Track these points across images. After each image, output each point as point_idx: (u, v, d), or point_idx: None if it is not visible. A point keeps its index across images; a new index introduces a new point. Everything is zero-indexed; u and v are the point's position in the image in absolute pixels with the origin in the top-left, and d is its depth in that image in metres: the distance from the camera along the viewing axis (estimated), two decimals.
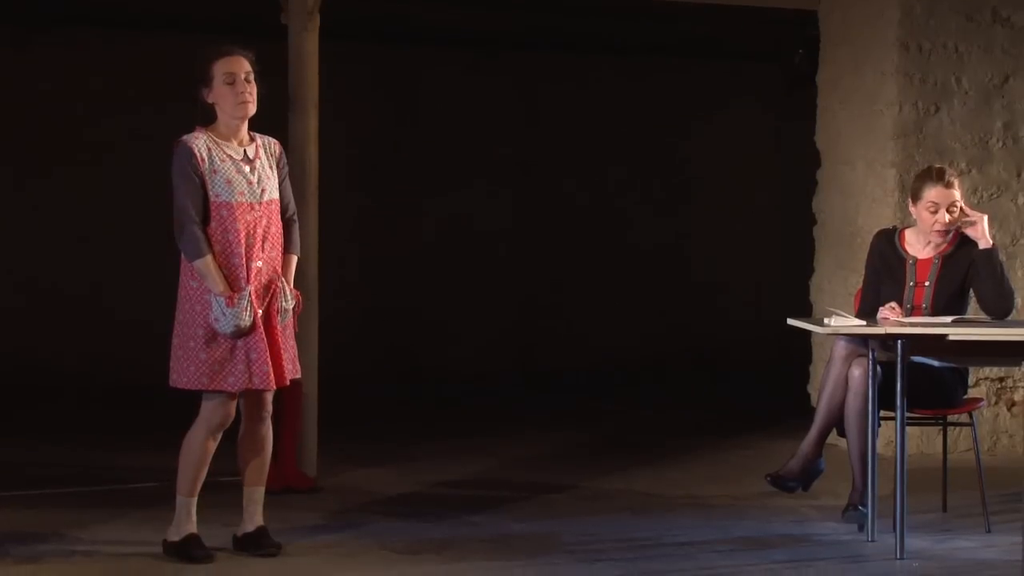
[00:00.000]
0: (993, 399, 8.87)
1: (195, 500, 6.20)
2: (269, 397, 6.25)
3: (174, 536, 6.19)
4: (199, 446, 6.17)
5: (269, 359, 6.09)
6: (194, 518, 6.20)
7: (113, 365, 11.41)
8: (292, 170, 7.88)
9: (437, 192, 12.75)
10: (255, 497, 6.29)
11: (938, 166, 6.97)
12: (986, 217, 6.82)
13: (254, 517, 6.29)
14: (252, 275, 6.09)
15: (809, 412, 7.14)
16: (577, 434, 9.72)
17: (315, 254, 7.93)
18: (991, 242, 6.78)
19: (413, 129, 12.69)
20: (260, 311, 6.09)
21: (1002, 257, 6.96)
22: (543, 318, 13.01)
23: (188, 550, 6.15)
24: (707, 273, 13.39)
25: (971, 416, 6.95)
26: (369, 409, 10.64)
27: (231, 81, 6.13)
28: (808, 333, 8.47)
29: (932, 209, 6.76)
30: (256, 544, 6.25)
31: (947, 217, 6.76)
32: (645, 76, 13.18)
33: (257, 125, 6.43)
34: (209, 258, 6.04)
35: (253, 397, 6.22)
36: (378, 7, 11.02)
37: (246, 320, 6.04)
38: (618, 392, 11.66)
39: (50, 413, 10.37)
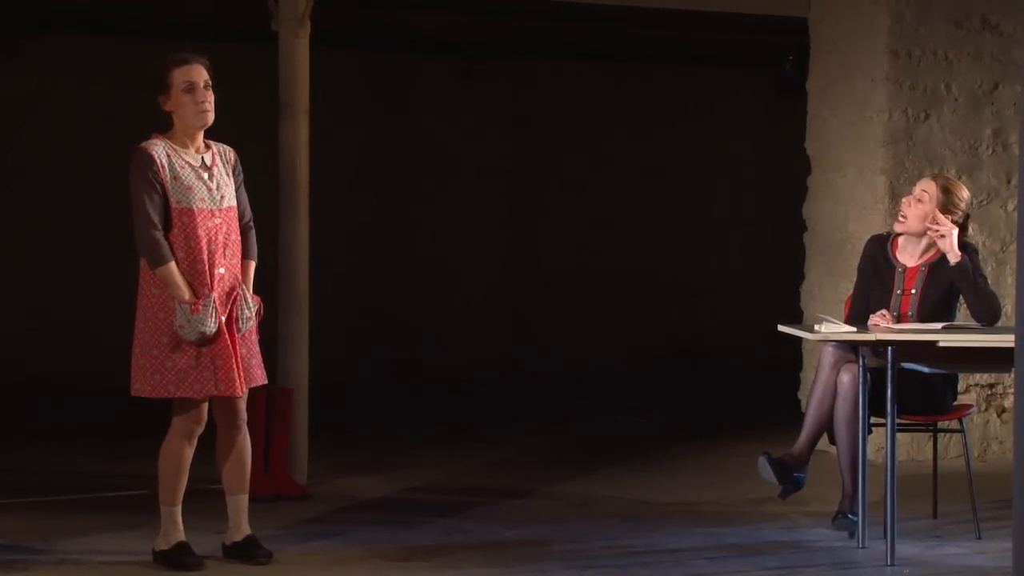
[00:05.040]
0: (983, 405, 8.87)
1: (179, 508, 6.19)
2: (241, 405, 6.21)
3: (163, 545, 6.18)
4: (175, 454, 6.16)
5: (235, 365, 6.07)
6: (180, 526, 6.18)
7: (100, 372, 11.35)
8: (283, 176, 7.92)
9: (428, 198, 12.74)
10: (238, 505, 6.27)
11: (939, 174, 7.06)
12: (956, 230, 6.78)
13: (240, 526, 6.27)
14: (215, 281, 6.08)
15: (799, 418, 7.14)
16: (567, 440, 9.71)
17: (306, 261, 7.91)
18: (959, 255, 6.75)
19: (403, 135, 12.68)
20: (224, 317, 6.08)
21: (983, 265, 6.98)
22: (535, 323, 13.00)
23: (178, 558, 6.14)
24: (697, 279, 13.38)
25: (961, 423, 6.94)
26: (360, 416, 10.62)
27: (190, 89, 6.10)
28: (798, 339, 8.47)
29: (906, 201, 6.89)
30: (246, 553, 6.23)
31: (905, 205, 6.83)
32: (635, 82, 13.18)
33: (248, 132, 6.42)
34: (172, 265, 6.02)
35: (225, 405, 6.19)
36: (367, 14, 11.02)
37: (211, 327, 6.02)
38: (608, 398, 11.65)
39: (38, 421, 10.34)
